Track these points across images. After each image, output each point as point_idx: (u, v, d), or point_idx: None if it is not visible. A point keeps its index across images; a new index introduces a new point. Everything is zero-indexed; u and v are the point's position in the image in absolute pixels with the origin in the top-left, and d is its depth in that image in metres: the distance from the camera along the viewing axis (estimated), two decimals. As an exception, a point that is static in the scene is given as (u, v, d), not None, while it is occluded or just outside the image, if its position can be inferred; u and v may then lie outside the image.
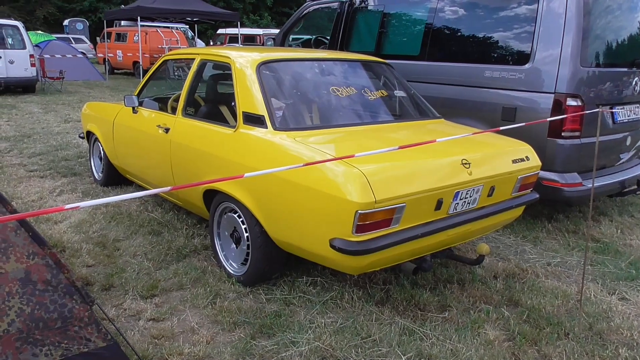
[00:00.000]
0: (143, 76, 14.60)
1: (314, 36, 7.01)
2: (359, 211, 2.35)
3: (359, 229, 2.40)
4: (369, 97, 3.42)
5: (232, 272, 3.20)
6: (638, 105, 4.54)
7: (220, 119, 3.76)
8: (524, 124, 3.13)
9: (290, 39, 7.09)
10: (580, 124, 3.95)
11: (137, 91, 4.32)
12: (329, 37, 6.30)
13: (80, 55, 16.58)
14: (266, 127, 2.95)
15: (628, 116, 4.40)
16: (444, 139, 2.62)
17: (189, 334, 2.61)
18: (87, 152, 6.32)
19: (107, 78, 16.90)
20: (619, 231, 4.24)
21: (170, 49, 18.23)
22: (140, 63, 14.75)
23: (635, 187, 4.53)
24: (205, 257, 3.49)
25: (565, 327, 2.75)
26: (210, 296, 2.96)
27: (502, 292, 3.14)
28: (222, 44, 21.55)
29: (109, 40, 19.12)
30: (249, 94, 3.10)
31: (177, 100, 4.37)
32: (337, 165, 2.46)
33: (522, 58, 4.15)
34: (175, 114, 3.68)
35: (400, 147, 2.30)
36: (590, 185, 4.09)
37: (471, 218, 2.85)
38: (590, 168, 4.22)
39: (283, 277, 3.22)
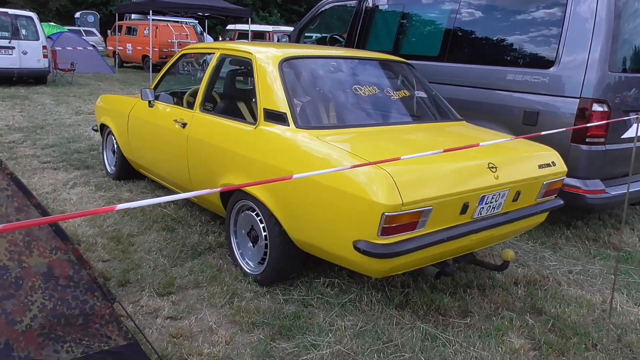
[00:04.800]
0: (152, 70, 14.63)
1: (329, 34, 6.93)
2: (386, 213, 2.29)
3: (385, 231, 2.34)
4: (392, 97, 3.36)
5: (248, 271, 3.15)
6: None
7: (239, 115, 3.71)
8: (572, 127, 3.06)
9: (304, 37, 7.03)
10: (606, 130, 3.87)
11: (154, 85, 4.27)
12: (343, 35, 6.24)
13: (91, 48, 16.58)
14: (288, 125, 2.89)
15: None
16: (487, 143, 2.55)
17: (208, 334, 2.56)
18: (100, 145, 6.29)
19: (117, 71, 16.88)
20: (620, 233, 4.16)
21: (180, 44, 18.21)
22: (150, 57, 14.70)
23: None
24: (220, 255, 3.44)
25: (593, 338, 2.68)
26: (228, 295, 2.91)
27: (524, 299, 3.08)
28: (231, 39, 21.52)
29: (119, 34, 19.12)
30: (271, 90, 3.04)
31: (193, 95, 4.33)
32: (367, 167, 2.40)
33: (546, 61, 4.07)
34: (192, 109, 3.63)
35: (445, 151, 2.24)
36: (614, 193, 4.02)
37: (496, 223, 2.79)
38: (614, 175, 4.15)
39: (300, 277, 3.16)
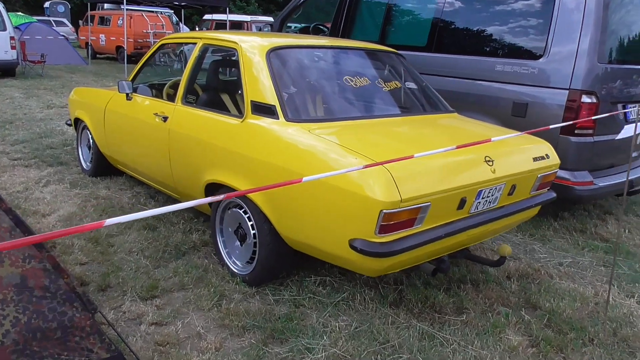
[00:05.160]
0: (127, 61, 14.23)
1: (311, 24, 6.78)
2: (384, 211, 2.18)
3: (382, 229, 2.24)
4: (383, 89, 3.25)
5: (236, 270, 3.02)
6: (649, 102, 4.45)
7: (224, 108, 3.56)
8: (578, 120, 2.99)
9: (287, 27, 6.86)
10: (594, 122, 3.84)
11: (131, 77, 4.08)
12: (326, 25, 6.11)
13: (62, 38, 16.04)
14: (277, 118, 2.76)
15: (638, 114, 4.30)
16: (498, 138, 2.46)
17: (196, 340, 2.43)
18: (74, 140, 6.04)
19: (90, 62, 16.39)
20: (626, 231, 4.16)
21: (155, 34, 17.77)
22: (125, 48, 14.29)
23: (642, 186, 4.46)
24: (206, 254, 3.30)
25: (590, 333, 2.64)
26: (215, 297, 2.78)
27: (518, 294, 3.02)
28: (208, 30, 21.09)
29: (91, 24, 18.57)
30: (258, 82, 2.90)
31: (173, 87, 4.15)
32: (357, 159, 2.29)
33: (535, 52, 4.02)
34: (174, 102, 3.46)
35: (458, 147, 2.15)
36: (601, 184, 4.01)
37: (492, 218, 2.72)
38: (601, 167, 4.13)
39: (290, 276, 3.05)
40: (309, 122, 2.72)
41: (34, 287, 1.87)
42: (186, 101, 3.44)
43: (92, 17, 18.85)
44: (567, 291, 3.09)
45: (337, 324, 2.61)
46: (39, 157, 5.28)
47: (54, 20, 23.26)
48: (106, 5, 20.81)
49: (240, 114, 2.99)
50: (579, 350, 2.51)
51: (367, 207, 2.21)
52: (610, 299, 3.02)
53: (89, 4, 16.37)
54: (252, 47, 3.04)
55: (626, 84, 4.10)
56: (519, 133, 2.59)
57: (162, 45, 3.92)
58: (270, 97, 2.82)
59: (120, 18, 17.60)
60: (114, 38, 17.86)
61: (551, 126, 2.67)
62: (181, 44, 3.75)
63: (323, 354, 2.35)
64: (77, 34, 23.22)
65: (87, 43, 18.55)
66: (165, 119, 3.43)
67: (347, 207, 2.29)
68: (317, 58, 3.22)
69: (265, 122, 2.80)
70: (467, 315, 2.77)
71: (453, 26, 4.58)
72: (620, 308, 2.93)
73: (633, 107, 4.25)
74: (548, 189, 3.23)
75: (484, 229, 2.76)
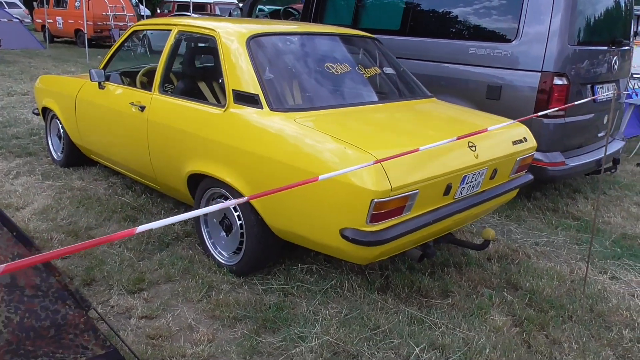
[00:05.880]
0: (88, 45, 13.74)
1: (281, 7, 6.70)
2: (375, 200, 2.21)
3: (373, 218, 2.27)
4: (364, 75, 3.25)
5: (222, 261, 3.01)
6: (614, 84, 4.60)
7: (202, 97, 3.50)
8: (574, 104, 3.06)
9: (257, 10, 6.75)
10: (566, 103, 3.95)
11: (102, 64, 3.95)
12: (295, 8, 6.04)
13: (17, 21, 15.34)
14: (261, 107, 2.73)
15: (606, 95, 4.45)
16: (495, 127, 2.51)
17: (188, 332, 2.43)
18: (41, 129, 5.84)
19: (47, 47, 15.76)
20: (594, 209, 4.33)
21: (115, 17, 17.18)
22: (85, 31, 13.78)
23: (611, 165, 4.64)
24: (190, 245, 3.27)
25: (568, 310, 2.75)
26: (204, 289, 2.77)
27: (499, 275, 3.12)
28: (169, 12, 20.51)
29: (47, 6, 17.79)
30: (240, 70, 2.86)
31: (147, 75, 4.05)
32: (350, 150, 2.30)
33: (508, 35, 4.08)
34: (150, 91, 3.38)
35: (459, 138, 2.18)
36: (572, 164, 4.14)
37: (476, 202, 2.78)
38: (570, 147, 4.27)
39: (277, 265, 3.06)
40: (292, 112, 2.71)
41: (24, 286, 1.82)
42: (163, 90, 3.36)
43: (48, -2, 18.05)
44: (545, 270, 3.21)
45: (327, 312, 2.64)
46: (5, 148, 5.09)
47: (5, 2, 22.17)
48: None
49: (220, 103, 2.94)
50: (559, 327, 2.62)
51: (359, 196, 2.23)
52: (586, 277, 3.15)
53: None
54: (232, 34, 2.98)
55: (593, 65, 4.23)
56: (511, 121, 2.64)
57: (134, 32, 3.81)
58: (252, 86, 2.78)
59: (77, 0, 16.93)
60: (72, 21, 17.17)
61: (549, 111, 2.72)
62: (158, 30, 3.63)
63: (316, 342, 2.38)
64: (31, 16, 22.24)
65: (43, 26, 17.79)
66: (142, 108, 3.35)
67: (338, 197, 2.30)
68: (297, 45, 3.19)
69: (248, 111, 2.77)
70: (453, 298, 2.84)
71: (426, 10, 4.60)
72: (595, 284, 3.06)
73: (600, 87, 4.42)
74: (525, 172, 3.32)
75: (468, 213, 2.82)
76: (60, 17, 17.61)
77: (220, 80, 3.00)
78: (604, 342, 2.52)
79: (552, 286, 3.00)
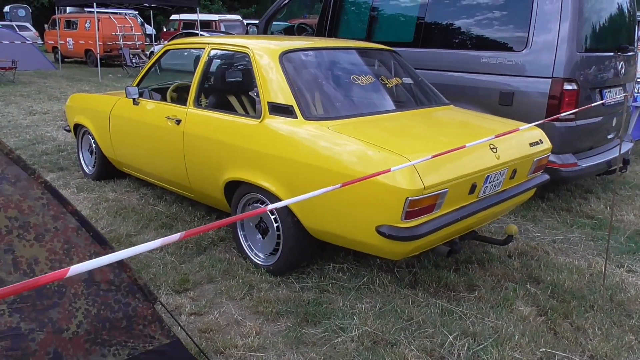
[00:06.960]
0: (100, 65, 14.07)
1: (287, 24, 6.95)
2: (409, 198, 2.40)
3: (408, 215, 2.45)
4: (387, 85, 3.46)
5: (259, 262, 3.19)
6: (621, 88, 4.80)
7: (234, 110, 3.71)
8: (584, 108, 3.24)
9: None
10: (576, 107, 4.14)
11: (136, 82, 4.18)
12: (308, 24, 6.27)
13: (30, 42, 15.72)
14: (295, 117, 2.94)
15: (614, 98, 4.65)
16: (526, 127, 2.73)
17: (236, 327, 2.61)
18: (68, 145, 6.07)
19: (60, 67, 16.12)
20: (607, 207, 4.50)
21: (124, 36, 17.58)
22: (97, 51, 14.13)
23: (621, 165, 4.81)
24: (226, 249, 3.46)
25: (589, 300, 2.92)
26: (245, 288, 2.95)
27: (520, 270, 3.29)
28: (175, 30, 20.94)
29: (58, 28, 18.21)
30: (274, 84, 3.07)
31: (176, 90, 4.28)
32: (385, 153, 2.50)
33: (518, 44, 4.29)
34: (185, 105, 3.60)
35: (497, 136, 2.42)
36: (584, 165, 4.33)
37: (498, 200, 2.97)
38: (582, 149, 4.45)
39: (311, 265, 3.24)
40: (325, 120, 2.91)
41: (100, 281, 2.01)
42: (197, 104, 3.58)
43: (59, 20, 18.49)
44: (564, 265, 3.38)
45: (362, 306, 2.82)
46: (38, 164, 5.31)
47: (16, 25, 22.67)
48: (69, 9, 20.41)
49: (256, 114, 3.15)
50: (582, 315, 2.79)
51: (394, 195, 2.42)
52: (605, 271, 3.32)
53: (56, 7, 16.01)
54: (264, 51, 3.20)
55: (600, 70, 4.43)
56: (531, 124, 2.82)
57: (167, 50, 4.04)
58: (287, 97, 2.99)
59: (87, 21, 17.34)
60: (82, 42, 17.59)
61: (562, 114, 2.93)
62: (185, 49, 3.86)
63: (356, 332, 2.56)
64: (41, 38, 22.71)
65: (54, 47, 18.18)
66: (178, 122, 3.57)
67: (375, 197, 2.49)
68: (325, 59, 3.40)
69: (283, 121, 2.98)
70: (479, 291, 3.01)
71: (438, 22, 4.82)
72: (613, 277, 3.23)
73: (608, 91, 4.61)
74: (542, 172, 3.50)
75: (491, 211, 3.01)
76: (70, 39, 18.03)
77: (251, 94, 3.21)
78: (625, 329, 2.69)
79: (572, 279, 3.17)
